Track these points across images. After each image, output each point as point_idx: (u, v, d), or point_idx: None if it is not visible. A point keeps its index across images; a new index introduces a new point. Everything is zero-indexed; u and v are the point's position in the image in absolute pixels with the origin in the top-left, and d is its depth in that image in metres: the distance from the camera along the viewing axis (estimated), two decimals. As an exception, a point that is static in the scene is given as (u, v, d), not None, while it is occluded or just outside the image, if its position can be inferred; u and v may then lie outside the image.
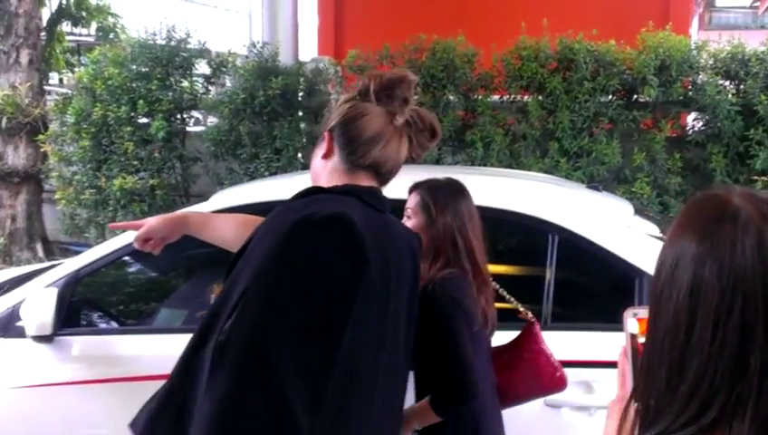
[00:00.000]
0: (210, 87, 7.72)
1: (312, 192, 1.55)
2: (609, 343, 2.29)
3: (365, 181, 1.61)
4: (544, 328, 2.43)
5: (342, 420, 1.43)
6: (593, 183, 3.77)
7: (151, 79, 7.11)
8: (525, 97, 6.48)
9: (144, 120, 7.06)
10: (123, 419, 1.56)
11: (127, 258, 3.17)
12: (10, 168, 7.80)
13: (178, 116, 7.30)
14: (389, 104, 1.62)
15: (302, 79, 7.36)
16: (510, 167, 6.23)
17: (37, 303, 2.78)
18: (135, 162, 6.85)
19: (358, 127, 1.60)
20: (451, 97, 6.63)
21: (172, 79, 7.35)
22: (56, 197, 7.07)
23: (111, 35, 9.80)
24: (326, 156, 1.62)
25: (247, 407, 1.28)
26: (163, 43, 7.54)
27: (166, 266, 3.48)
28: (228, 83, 7.83)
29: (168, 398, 1.45)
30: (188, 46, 7.61)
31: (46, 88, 8.83)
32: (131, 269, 3.44)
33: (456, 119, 6.52)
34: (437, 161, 6.42)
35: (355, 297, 1.40)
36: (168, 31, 7.64)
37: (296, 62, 8.02)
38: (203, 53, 7.74)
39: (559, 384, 2.31)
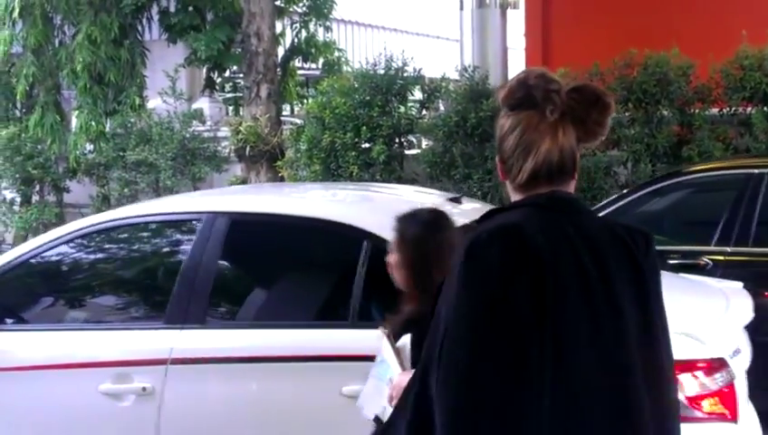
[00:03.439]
0: (425, 111, 7.84)
1: (488, 215, 1.56)
2: None
3: (541, 188, 1.53)
4: (351, 325, 2.63)
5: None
6: (456, 195, 3.54)
7: (372, 106, 7.36)
8: (748, 109, 5.93)
9: (366, 144, 7.31)
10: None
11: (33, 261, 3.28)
12: (253, 191, 8.41)
13: (397, 140, 7.49)
14: (533, 105, 1.51)
15: (512, 100, 7.25)
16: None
17: None
18: (359, 184, 7.10)
19: (504, 146, 1.54)
20: (665, 112, 6.24)
21: (391, 105, 7.55)
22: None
23: (336, 68, 10.27)
24: (503, 178, 1.60)
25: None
26: (382, 72, 7.78)
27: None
28: (441, 107, 7.91)
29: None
30: (405, 74, 7.79)
31: (282, 119, 9.42)
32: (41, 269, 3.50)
33: (672, 134, 6.12)
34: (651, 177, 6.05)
35: (536, 301, 1.41)
36: (387, 60, 7.88)
37: (505, 84, 7.93)
38: (418, 79, 7.90)
39: None
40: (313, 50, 10.39)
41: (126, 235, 3.33)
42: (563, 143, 1.51)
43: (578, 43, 8.93)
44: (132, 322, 3.19)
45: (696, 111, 6.14)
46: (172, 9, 10.22)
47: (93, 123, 9.43)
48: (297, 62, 10.83)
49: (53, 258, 3.33)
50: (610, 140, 6.59)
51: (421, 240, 2.31)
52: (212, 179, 8.93)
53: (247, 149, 8.39)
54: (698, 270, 4.10)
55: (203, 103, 9.97)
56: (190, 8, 10.06)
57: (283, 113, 10.07)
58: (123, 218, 3.26)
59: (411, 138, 7.83)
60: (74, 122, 10.07)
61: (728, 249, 4.24)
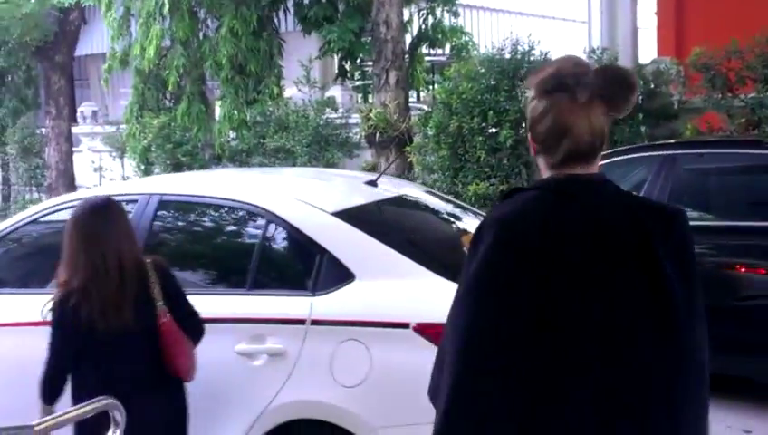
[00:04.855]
0: (552, 95, 7.71)
1: (509, 193, 1.64)
2: (297, 304, 2.91)
3: (571, 168, 1.60)
4: (247, 293, 3.05)
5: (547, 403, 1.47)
6: (372, 179, 3.66)
7: (499, 91, 7.33)
8: None
9: (493, 129, 7.30)
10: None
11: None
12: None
13: (524, 124, 7.42)
14: (564, 90, 1.58)
15: (642, 81, 7.03)
16: None
17: None
18: (486, 169, 7.11)
19: (538, 128, 1.61)
20: (811, 91, 5.85)
21: (517, 90, 7.49)
22: (421, 201, 7.61)
23: (464, 53, 10.26)
24: (535, 154, 1.67)
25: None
26: (509, 56, 7.71)
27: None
28: (569, 90, 7.75)
29: None
30: (532, 58, 7.70)
31: (409, 104, 9.52)
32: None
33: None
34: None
35: (522, 286, 1.47)
36: (513, 45, 7.80)
37: (636, 65, 7.68)
38: (544, 63, 7.77)
39: None
40: (440, 36, 10.42)
41: None
42: (594, 124, 1.56)
43: (714, 19, 8.48)
44: None
45: None
46: (306, 1, 10.53)
47: (236, 112, 9.90)
48: (424, 49, 10.89)
49: (30, 232, 3.84)
50: (750, 121, 6.27)
51: (83, 223, 2.69)
52: (344, 165, 9.19)
53: (377, 134, 8.56)
54: None
55: (335, 91, 10.25)
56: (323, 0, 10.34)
57: (410, 99, 10.19)
58: (81, 198, 3.78)
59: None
60: (218, 111, 10.61)
61: None
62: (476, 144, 7.14)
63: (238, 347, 2.95)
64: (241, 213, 3.32)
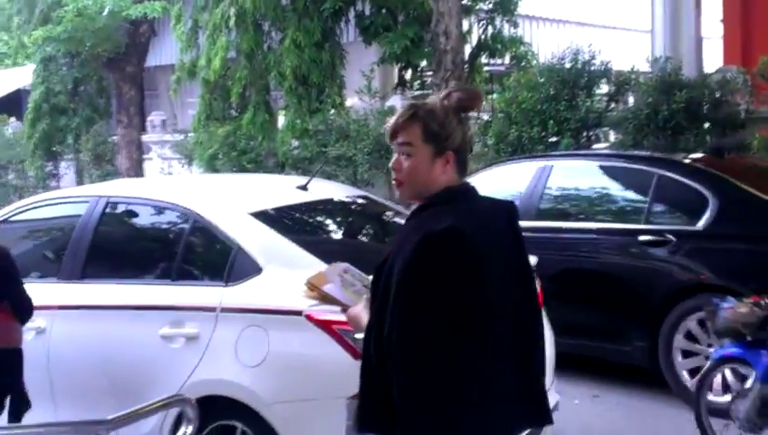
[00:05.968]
0: (613, 105, 7.65)
1: (423, 207, 1.87)
2: (211, 294, 3.23)
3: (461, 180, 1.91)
4: (172, 283, 3.39)
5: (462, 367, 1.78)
6: (301, 184, 3.84)
7: (559, 100, 7.31)
8: None
9: (553, 138, 7.27)
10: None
11: None
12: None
13: (584, 134, 7.37)
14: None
15: (706, 91, 6.91)
16: None
17: None
18: (546, 178, 7.06)
19: (467, 139, 1.96)
20: None
21: (578, 99, 7.45)
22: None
23: (523, 63, 10.22)
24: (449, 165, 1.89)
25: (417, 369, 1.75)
26: (569, 66, 7.68)
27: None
28: (631, 100, 7.68)
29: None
30: (592, 68, 7.65)
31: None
32: None
33: None
34: None
35: (472, 285, 1.78)
36: (574, 54, 7.77)
37: (700, 74, 7.55)
38: (605, 72, 7.71)
39: None
40: (499, 46, 10.41)
41: (46, 211, 4.21)
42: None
43: (782, 28, 8.26)
44: (40, 277, 3.96)
45: None
46: (367, 12, 10.66)
47: (298, 121, 10.08)
48: (483, 59, 10.89)
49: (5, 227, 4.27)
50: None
51: None
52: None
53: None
54: None
55: (395, 101, 10.32)
56: (383, 10, 10.45)
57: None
58: (44, 200, 4.29)
59: (598, 131, 7.68)
60: (281, 121, 10.81)
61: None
62: (536, 153, 7.12)
63: (161, 331, 3.29)
64: (172, 213, 3.70)
